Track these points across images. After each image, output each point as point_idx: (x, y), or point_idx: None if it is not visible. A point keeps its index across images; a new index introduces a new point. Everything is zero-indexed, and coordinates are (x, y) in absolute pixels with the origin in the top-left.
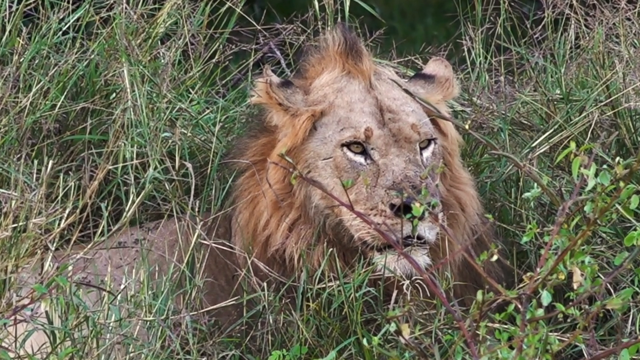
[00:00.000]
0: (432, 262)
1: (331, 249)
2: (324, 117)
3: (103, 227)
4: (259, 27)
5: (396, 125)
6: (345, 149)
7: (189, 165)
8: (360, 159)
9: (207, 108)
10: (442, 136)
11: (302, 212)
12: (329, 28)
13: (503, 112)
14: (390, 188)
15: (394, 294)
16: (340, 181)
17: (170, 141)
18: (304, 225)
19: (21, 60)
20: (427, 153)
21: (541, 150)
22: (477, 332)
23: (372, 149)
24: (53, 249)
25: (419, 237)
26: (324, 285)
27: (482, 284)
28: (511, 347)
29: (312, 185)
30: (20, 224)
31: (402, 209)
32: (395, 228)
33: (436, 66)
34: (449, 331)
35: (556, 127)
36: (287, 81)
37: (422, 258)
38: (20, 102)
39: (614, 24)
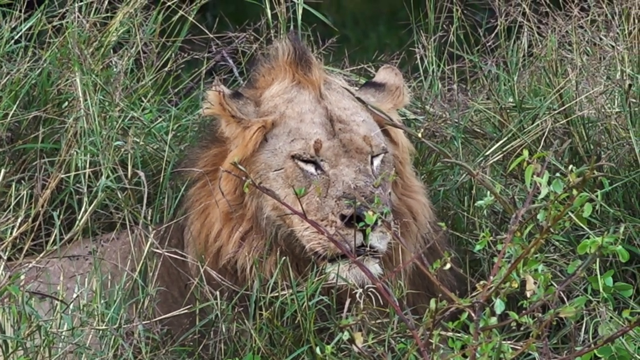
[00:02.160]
0: (384, 271)
1: (284, 258)
2: (275, 128)
3: (55, 235)
4: (211, 36)
5: (347, 135)
6: (296, 159)
7: (141, 174)
8: (310, 168)
9: (160, 116)
10: (393, 145)
11: (254, 223)
12: (280, 37)
13: (456, 120)
14: (340, 198)
15: (347, 303)
16: (294, 190)
17: (122, 150)
18: (255, 237)
19: None
20: (377, 162)
21: (495, 159)
22: (430, 340)
23: (321, 160)
24: (5, 257)
25: (370, 247)
26: (276, 294)
27: (435, 292)
28: (464, 356)
29: (263, 197)
30: None
31: (355, 219)
32: (346, 239)
33: (386, 74)
34: (402, 340)
35: (509, 135)
36: (238, 92)
37: (373, 268)
38: None
39: (566, 31)
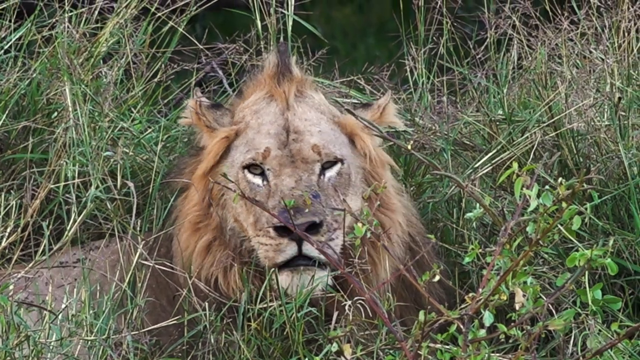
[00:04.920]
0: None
1: (244, 269)
2: (237, 139)
3: (44, 246)
4: (201, 47)
5: (297, 145)
6: (246, 171)
7: (130, 184)
8: (258, 180)
9: (149, 127)
10: (362, 158)
11: (218, 233)
12: (271, 48)
13: (445, 132)
14: (275, 208)
15: (335, 315)
16: (245, 204)
17: (112, 160)
18: (219, 247)
19: None
20: (330, 173)
21: (484, 171)
22: (419, 352)
23: (268, 169)
24: None
25: (310, 258)
26: (265, 305)
27: (423, 304)
28: None
29: (227, 208)
30: None
31: (293, 230)
32: (279, 248)
33: (384, 98)
34: (391, 351)
35: (499, 147)
36: (218, 104)
37: (316, 277)
38: None
39: (556, 44)
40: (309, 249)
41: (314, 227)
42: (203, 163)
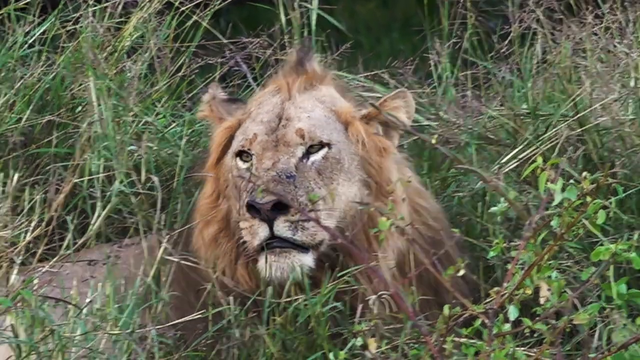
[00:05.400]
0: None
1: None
2: (239, 129)
3: (69, 240)
4: (225, 41)
5: (284, 130)
6: (237, 158)
7: (155, 178)
8: (246, 166)
9: (173, 121)
10: (355, 144)
11: (224, 225)
12: (294, 43)
13: (470, 126)
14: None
15: (359, 308)
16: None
17: (136, 154)
18: (223, 239)
19: None
20: (315, 157)
21: (510, 167)
22: (444, 346)
23: (253, 154)
24: (19, 262)
25: (285, 239)
26: (289, 299)
27: (445, 298)
28: None
29: (232, 201)
30: None
31: (266, 210)
32: (253, 230)
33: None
34: (416, 346)
35: (525, 143)
36: (235, 98)
37: (294, 259)
38: None
39: (580, 38)
40: (280, 230)
41: (282, 207)
42: (211, 155)
